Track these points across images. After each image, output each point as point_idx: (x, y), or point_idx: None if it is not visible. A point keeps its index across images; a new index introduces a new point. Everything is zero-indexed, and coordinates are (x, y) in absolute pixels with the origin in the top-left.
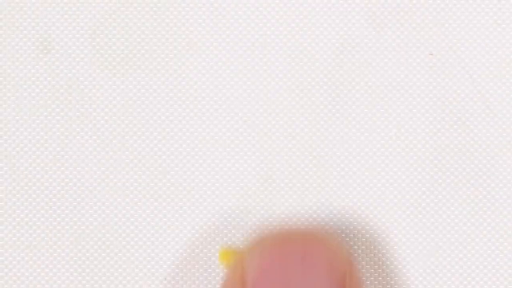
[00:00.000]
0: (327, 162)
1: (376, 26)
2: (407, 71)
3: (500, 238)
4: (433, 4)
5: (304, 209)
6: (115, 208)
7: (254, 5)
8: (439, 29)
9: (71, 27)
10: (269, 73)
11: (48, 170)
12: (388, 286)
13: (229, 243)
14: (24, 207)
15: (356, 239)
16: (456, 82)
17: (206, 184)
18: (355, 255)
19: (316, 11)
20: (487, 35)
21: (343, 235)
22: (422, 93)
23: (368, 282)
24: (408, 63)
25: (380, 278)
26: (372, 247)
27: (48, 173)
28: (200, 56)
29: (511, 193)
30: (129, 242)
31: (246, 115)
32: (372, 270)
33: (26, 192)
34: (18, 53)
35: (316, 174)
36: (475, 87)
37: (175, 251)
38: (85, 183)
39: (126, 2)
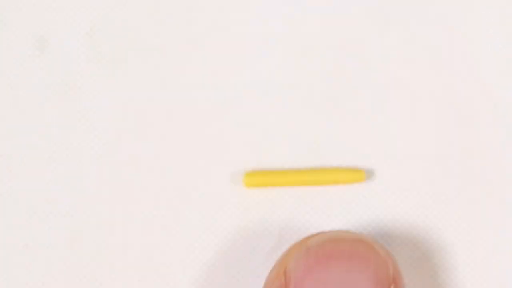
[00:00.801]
0: (329, 161)
1: (380, 24)
2: (410, 70)
3: (506, 235)
4: (437, 2)
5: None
6: (112, 207)
7: (255, 4)
8: (444, 27)
9: (67, 25)
10: (271, 72)
11: (44, 169)
12: None
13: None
14: (20, 206)
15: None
16: (462, 80)
17: (206, 185)
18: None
19: (318, 9)
20: (493, 33)
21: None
22: (427, 91)
23: None
24: (413, 61)
25: None
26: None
27: (44, 171)
28: (199, 54)
29: None
30: (127, 242)
31: (247, 115)
32: None
33: (21, 191)
34: (14, 51)
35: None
36: (481, 85)
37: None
38: (81, 181)
39: (123, 0)
